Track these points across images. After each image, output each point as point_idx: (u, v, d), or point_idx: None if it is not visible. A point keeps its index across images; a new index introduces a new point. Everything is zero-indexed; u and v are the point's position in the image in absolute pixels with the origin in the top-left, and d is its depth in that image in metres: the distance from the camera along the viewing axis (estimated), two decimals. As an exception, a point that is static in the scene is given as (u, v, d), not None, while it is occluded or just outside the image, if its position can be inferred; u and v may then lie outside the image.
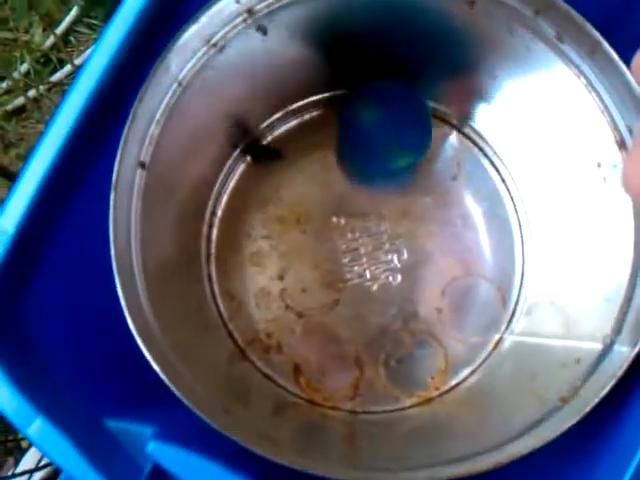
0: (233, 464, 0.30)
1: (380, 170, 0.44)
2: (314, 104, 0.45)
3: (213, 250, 0.43)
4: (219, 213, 0.44)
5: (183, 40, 0.31)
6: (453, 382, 0.42)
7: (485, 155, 0.44)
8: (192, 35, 0.31)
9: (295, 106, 0.44)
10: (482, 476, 0.30)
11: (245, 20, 0.32)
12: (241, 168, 0.44)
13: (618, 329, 0.32)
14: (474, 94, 0.41)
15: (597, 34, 0.31)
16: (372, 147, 0.43)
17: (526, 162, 0.42)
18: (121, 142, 0.29)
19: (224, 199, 0.44)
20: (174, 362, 0.32)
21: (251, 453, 0.30)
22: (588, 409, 0.30)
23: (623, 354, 0.31)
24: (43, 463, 0.47)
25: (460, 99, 0.43)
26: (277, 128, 0.45)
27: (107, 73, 0.29)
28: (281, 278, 0.43)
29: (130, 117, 0.29)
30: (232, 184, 0.44)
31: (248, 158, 0.44)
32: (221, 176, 0.44)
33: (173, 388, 0.29)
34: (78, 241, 0.32)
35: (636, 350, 0.30)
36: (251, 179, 0.44)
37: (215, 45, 0.32)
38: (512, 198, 0.43)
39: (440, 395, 0.41)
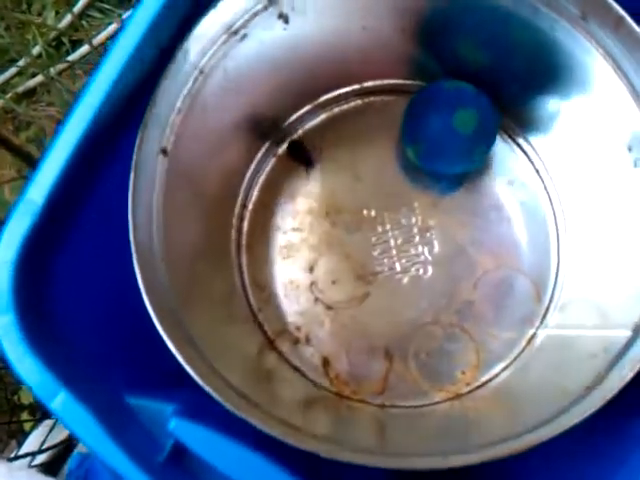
0: (255, 443, 0.30)
1: (452, 172, 0.43)
2: (343, 97, 0.44)
3: (244, 242, 0.44)
4: (250, 206, 0.44)
5: (201, 27, 0.31)
6: (484, 378, 0.41)
7: (518, 145, 0.43)
8: (211, 22, 0.31)
9: (324, 98, 0.44)
10: (500, 463, 0.29)
11: (266, 7, 0.32)
12: (272, 161, 0.45)
13: None
14: (497, 76, 0.40)
15: (619, 9, 0.30)
16: (457, 149, 0.41)
17: (558, 150, 0.41)
18: (141, 125, 0.29)
19: (255, 192, 0.44)
20: (198, 349, 0.32)
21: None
22: (612, 395, 0.28)
23: None
24: (46, 446, 0.48)
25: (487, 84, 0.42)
26: (307, 121, 0.45)
27: (135, 54, 0.30)
28: (311, 270, 0.43)
29: (150, 102, 0.30)
30: (263, 177, 0.44)
31: (279, 151, 0.44)
32: (251, 168, 0.44)
33: (195, 375, 0.29)
34: (107, 215, 0.32)
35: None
36: (282, 172, 0.45)
37: (236, 33, 0.32)
38: (546, 188, 0.42)
39: (471, 391, 0.40)
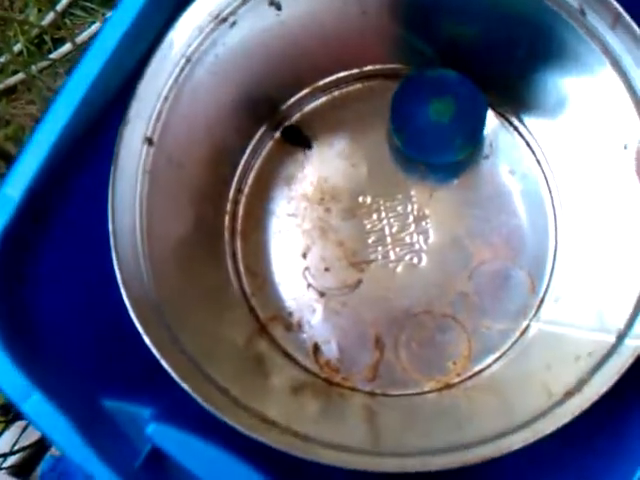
0: (233, 448, 0.30)
1: (437, 161, 0.42)
2: (343, 80, 0.44)
3: (239, 227, 0.44)
4: (245, 190, 0.44)
5: (188, 15, 0.31)
6: (475, 369, 0.40)
7: (520, 134, 0.42)
8: (197, 10, 0.31)
9: (322, 83, 0.43)
10: (484, 465, 0.29)
11: None
12: (268, 145, 0.44)
13: (631, 323, 0.30)
14: (499, 65, 0.39)
15: (617, 5, 0.28)
16: (436, 139, 0.41)
17: (559, 143, 0.40)
18: (123, 117, 0.29)
19: (251, 176, 0.44)
20: (182, 346, 0.32)
21: (251, 438, 0.30)
22: (588, 405, 0.28)
23: (631, 349, 0.29)
24: (18, 447, 0.47)
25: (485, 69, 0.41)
26: (305, 105, 0.44)
27: (119, 46, 0.29)
28: (304, 256, 0.43)
29: (133, 92, 0.29)
30: (259, 161, 0.44)
31: (275, 135, 0.44)
32: (247, 152, 0.44)
33: (176, 377, 0.29)
34: (84, 214, 0.32)
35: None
36: (278, 156, 0.44)
37: (225, 20, 0.32)
38: (547, 180, 0.41)
39: (461, 381, 0.40)
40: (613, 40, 0.31)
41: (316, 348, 0.42)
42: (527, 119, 0.41)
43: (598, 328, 0.32)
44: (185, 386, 0.28)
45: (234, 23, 0.32)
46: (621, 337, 0.30)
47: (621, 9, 0.28)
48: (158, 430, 0.30)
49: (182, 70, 0.32)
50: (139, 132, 0.31)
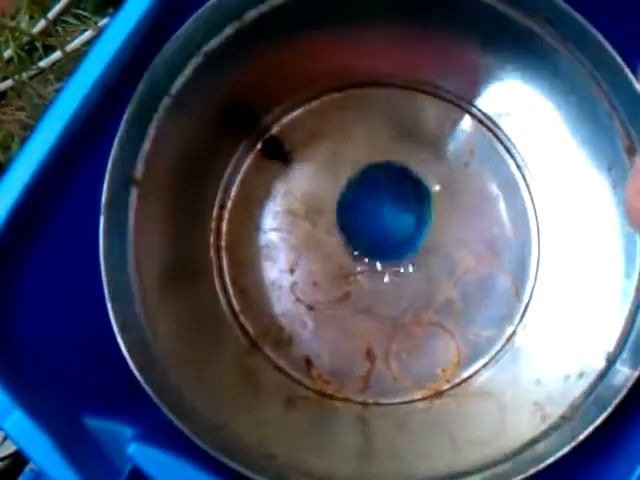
0: (215, 471, 0.30)
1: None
2: (325, 91, 0.43)
3: (223, 243, 0.43)
4: (228, 205, 0.44)
5: (167, 49, 0.30)
6: (465, 375, 0.41)
7: (500, 141, 0.42)
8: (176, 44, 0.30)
9: (305, 95, 0.43)
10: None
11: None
12: (249, 159, 0.44)
13: (621, 346, 0.31)
14: (482, 73, 0.39)
15: (598, 34, 0.29)
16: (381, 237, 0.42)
17: (540, 150, 0.40)
18: (109, 164, 0.29)
19: (233, 191, 0.44)
20: (168, 370, 0.32)
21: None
22: (586, 434, 0.29)
23: (624, 376, 0.30)
24: None
25: (467, 77, 0.41)
26: (284, 117, 0.44)
27: (112, 63, 0.29)
28: (292, 271, 0.43)
29: (120, 132, 0.29)
30: (240, 176, 0.44)
31: (256, 148, 0.44)
32: (229, 168, 0.44)
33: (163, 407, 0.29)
34: (69, 235, 0.32)
35: (637, 374, 0.29)
36: (260, 170, 0.44)
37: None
38: (528, 187, 0.42)
39: (451, 388, 0.41)
40: (596, 67, 0.31)
41: (308, 362, 0.42)
42: (507, 126, 0.42)
43: (585, 343, 0.33)
44: (174, 419, 0.29)
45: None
46: (611, 362, 0.31)
47: (602, 38, 0.29)
48: (139, 450, 0.30)
49: (165, 109, 0.31)
50: (125, 174, 0.30)
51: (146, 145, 0.31)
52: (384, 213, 0.42)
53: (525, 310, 0.41)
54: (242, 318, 0.43)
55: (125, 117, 0.29)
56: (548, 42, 0.33)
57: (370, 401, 0.42)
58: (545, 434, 0.31)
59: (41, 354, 0.32)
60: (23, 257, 0.32)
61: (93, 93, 0.30)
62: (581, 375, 0.32)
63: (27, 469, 0.44)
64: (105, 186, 0.29)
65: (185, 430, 0.30)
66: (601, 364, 0.32)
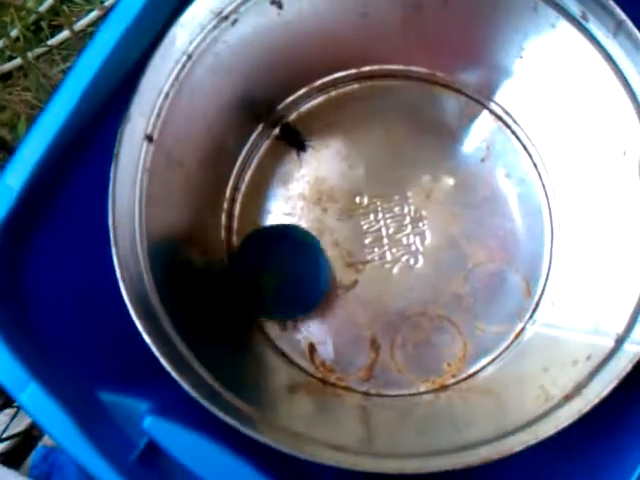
0: (228, 443, 0.29)
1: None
2: (341, 80, 0.44)
3: (235, 225, 0.44)
4: (242, 188, 0.44)
5: (189, 12, 0.30)
6: (470, 370, 0.41)
7: (517, 137, 0.42)
8: (199, 6, 0.31)
9: (320, 82, 0.43)
10: (483, 468, 0.30)
11: None
12: (265, 144, 0.44)
13: (630, 327, 0.30)
14: (498, 68, 0.39)
15: (621, 12, 0.29)
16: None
17: (557, 147, 0.40)
18: (125, 112, 0.29)
19: (247, 174, 0.44)
20: (179, 345, 0.32)
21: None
22: (588, 409, 0.29)
23: (630, 354, 0.29)
24: (5, 435, 0.47)
25: (485, 71, 0.41)
26: (303, 104, 0.44)
27: (121, 38, 0.29)
28: (301, 257, 0.43)
29: (135, 88, 0.29)
30: (256, 160, 0.44)
31: (273, 134, 0.44)
32: (244, 151, 0.44)
33: (172, 371, 0.29)
34: (85, 206, 0.32)
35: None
36: (275, 155, 0.44)
37: (226, 18, 0.32)
38: (543, 184, 0.42)
39: (456, 383, 0.41)
40: (614, 47, 0.31)
41: (312, 348, 0.42)
42: (525, 123, 0.42)
43: (595, 332, 0.33)
44: (185, 386, 0.28)
45: (235, 21, 0.32)
46: (620, 341, 0.31)
47: (624, 16, 0.29)
48: (154, 424, 0.30)
49: (183, 67, 0.32)
50: (139, 129, 0.31)
51: (163, 101, 0.31)
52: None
53: (536, 307, 0.41)
54: (249, 301, 0.43)
55: (142, 74, 0.30)
56: (567, 29, 0.33)
57: (373, 392, 0.41)
58: (548, 413, 0.30)
59: (57, 328, 0.32)
60: (35, 233, 0.32)
61: (102, 73, 0.30)
62: (589, 358, 0.32)
63: (39, 445, 0.44)
64: (118, 138, 0.29)
65: (210, 408, 0.29)
66: (610, 345, 0.31)
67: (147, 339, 0.29)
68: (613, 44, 0.31)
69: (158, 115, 0.31)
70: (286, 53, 0.38)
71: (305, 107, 0.44)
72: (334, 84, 0.44)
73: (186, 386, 0.28)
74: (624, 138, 0.33)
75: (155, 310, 0.33)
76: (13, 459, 0.46)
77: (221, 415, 0.29)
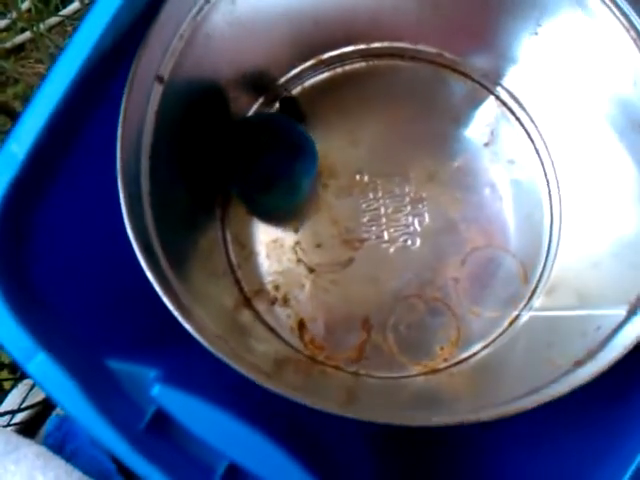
0: (237, 410, 0.29)
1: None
2: (348, 56, 0.44)
3: (230, 195, 0.43)
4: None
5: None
6: (463, 355, 0.41)
7: (521, 124, 0.43)
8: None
9: (327, 56, 0.44)
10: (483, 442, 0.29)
11: None
12: (267, 114, 0.44)
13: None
14: (509, 50, 0.40)
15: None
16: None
17: (563, 134, 0.41)
18: (139, 48, 0.29)
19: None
20: (187, 303, 0.31)
21: (256, 401, 0.30)
22: (602, 370, 0.29)
23: None
24: (25, 405, 0.47)
25: (494, 54, 0.42)
26: (308, 78, 0.44)
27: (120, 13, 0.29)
28: (296, 231, 0.43)
29: (151, 26, 0.29)
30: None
31: (275, 106, 0.44)
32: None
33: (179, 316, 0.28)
34: (89, 173, 0.32)
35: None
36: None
37: None
38: (545, 171, 0.42)
39: (448, 367, 0.40)
40: (637, 16, 0.32)
41: (302, 324, 0.42)
42: (531, 109, 0.42)
43: (600, 308, 0.33)
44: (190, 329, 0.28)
45: None
46: (634, 311, 0.30)
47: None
48: (163, 392, 0.30)
49: (201, 10, 0.31)
50: (152, 68, 0.30)
51: (176, 43, 0.31)
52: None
53: (532, 294, 0.41)
54: (239, 273, 0.42)
55: (159, 12, 0.30)
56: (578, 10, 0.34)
57: (362, 372, 0.41)
58: (558, 379, 0.30)
59: (63, 297, 0.32)
60: (39, 201, 0.32)
61: (104, 39, 0.30)
62: (598, 328, 0.32)
63: (53, 414, 0.44)
64: (129, 81, 0.29)
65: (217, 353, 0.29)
66: (622, 314, 0.31)
67: (158, 290, 0.28)
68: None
69: (171, 56, 0.31)
70: (296, 20, 0.39)
71: (309, 82, 0.45)
72: (341, 59, 0.44)
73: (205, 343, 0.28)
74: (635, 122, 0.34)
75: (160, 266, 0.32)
76: (30, 428, 0.46)
77: (239, 368, 0.28)
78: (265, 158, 0.42)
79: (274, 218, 0.43)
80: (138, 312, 0.31)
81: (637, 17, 0.32)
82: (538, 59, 0.40)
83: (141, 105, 0.30)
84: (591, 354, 0.30)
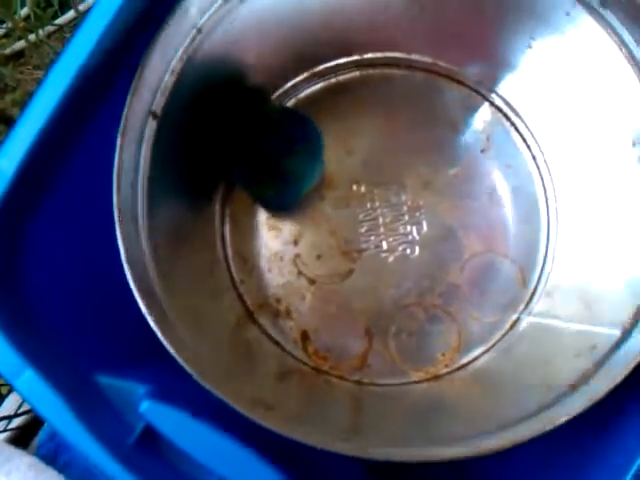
0: (226, 427, 0.30)
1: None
2: (342, 67, 0.45)
3: (228, 211, 0.44)
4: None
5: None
6: (464, 360, 0.42)
7: (517, 130, 0.44)
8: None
9: (322, 67, 0.44)
10: (482, 460, 0.30)
11: None
12: (263, 129, 0.45)
13: (637, 316, 0.31)
14: (504, 58, 0.41)
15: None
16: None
17: (559, 140, 0.42)
18: (131, 89, 0.29)
19: (244, 159, 0.45)
20: (175, 323, 0.32)
21: (245, 417, 0.30)
22: (598, 397, 0.29)
23: (638, 343, 0.30)
24: (22, 410, 0.48)
25: (489, 62, 0.42)
26: (301, 90, 0.45)
27: (118, 14, 0.30)
28: (295, 243, 0.44)
29: (142, 62, 0.30)
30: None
31: (271, 119, 0.45)
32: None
33: (173, 352, 0.29)
34: (80, 189, 0.33)
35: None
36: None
37: None
38: (542, 177, 0.43)
39: (449, 373, 0.42)
40: (632, 35, 0.32)
41: (305, 336, 0.43)
42: (526, 115, 0.43)
43: (597, 322, 0.34)
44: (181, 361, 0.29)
45: None
46: (629, 331, 0.31)
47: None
48: (152, 408, 0.30)
49: (193, 41, 0.32)
50: (145, 105, 0.31)
51: (168, 78, 0.32)
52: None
53: (531, 297, 0.42)
54: (241, 289, 0.44)
55: (152, 43, 0.31)
56: (582, 17, 0.34)
57: (366, 380, 0.42)
58: (553, 403, 0.31)
59: (53, 313, 0.33)
60: (31, 217, 0.32)
61: (97, 49, 0.30)
62: (594, 348, 0.33)
63: (46, 425, 0.44)
64: (124, 116, 0.30)
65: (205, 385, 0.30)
66: (616, 334, 0.32)
67: (149, 320, 0.29)
68: (631, 33, 0.32)
69: (163, 92, 0.32)
70: (291, 35, 0.40)
71: (304, 93, 0.46)
72: (335, 71, 0.45)
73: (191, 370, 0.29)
74: (633, 132, 0.34)
75: (153, 289, 0.33)
76: (26, 434, 0.46)
77: (216, 392, 0.29)
78: (271, 146, 0.42)
79: (280, 209, 0.44)
80: (127, 328, 0.31)
81: (626, 31, 0.33)
82: (533, 66, 0.41)
83: (136, 140, 0.31)
84: (585, 377, 0.31)
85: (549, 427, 0.29)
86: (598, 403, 0.30)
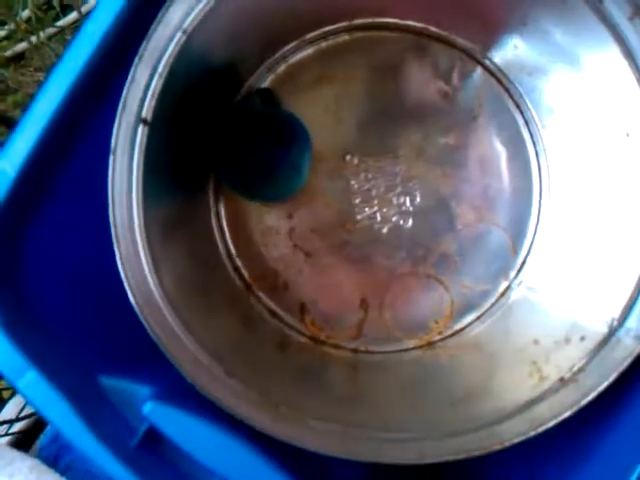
0: (229, 429, 0.31)
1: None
2: (331, 32, 0.43)
3: (222, 190, 0.44)
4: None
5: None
6: (456, 327, 0.44)
7: (510, 96, 0.43)
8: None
9: (310, 36, 0.43)
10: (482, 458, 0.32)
11: None
12: (252, 101, 0.44)
13: (625, 316, 0.33)
14: (499, 22, 0.40)
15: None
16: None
17: (550, 107, 0.41)
18: (120, 102, 0.29)
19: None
20: (176, 329, 0.33)
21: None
22: (586, 401, 0.31)
23: (628, 347, 0.32)
24: (24, 414, 0.48)
25: (483, 26, 0.41)
26: (290, 57, 0.44)
27: (119, 17, 0.30)
28: (290, 217, 0.44)
29: (131, 75, 0.29)
30: (243, 118, 0.44)
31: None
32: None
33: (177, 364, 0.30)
34: (81, 190, 0.33)
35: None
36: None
37: None
38: (535, 145, 0.43)
39: (442, 339, 0.44)
40: (629, 31, 0.32)
41: (302, 307, 0.44)
42: (519, 82, 0.42)
43: (586, 311, 0.35)
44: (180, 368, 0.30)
45: None
46: (613, 329, 0.33)
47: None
48: (155, 409, 0.31)
49: (177, 43, 0.31)
50: (135, 114, 0.31)
51: (156, 82, 0.31)
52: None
53: (521, 266, 0.43)
54: (238, 262, 0.45)
55: (138, 53, 0.30)
56: (577, 5, 0.33)
57: (362, 348, 0.44)
58: (544, 396, 0.33)
59: (56, 314, 0.33)
60: (32, 218, 0.33)
61: (95, 55, 0.30)
62: (583, 339, 0.34)
63: (48, 427, 0.46)
64: (115, 126, 0.30)
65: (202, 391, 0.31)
66: (604, 331, 0.33)
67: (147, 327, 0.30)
68: (628, 29, 0.32)
69: (152, 96, 0.31)
70: (278, 6, 0.38)
71: (293, 60, 0.44)
72: (324, 36, 0.43)
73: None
74: (627, 119, 0.34)
75: (149, 285, 0.34)
76: (28, 438, 0.47)
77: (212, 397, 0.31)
78: (260, 148, 0.42)
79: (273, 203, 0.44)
80: (130, 329, 0.31)
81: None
82: (526, 41, 0.40)
83: (128, 146, 0.31)
84: (575, 373, 0.32)
85: (536, 430, 0.32)
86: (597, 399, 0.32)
